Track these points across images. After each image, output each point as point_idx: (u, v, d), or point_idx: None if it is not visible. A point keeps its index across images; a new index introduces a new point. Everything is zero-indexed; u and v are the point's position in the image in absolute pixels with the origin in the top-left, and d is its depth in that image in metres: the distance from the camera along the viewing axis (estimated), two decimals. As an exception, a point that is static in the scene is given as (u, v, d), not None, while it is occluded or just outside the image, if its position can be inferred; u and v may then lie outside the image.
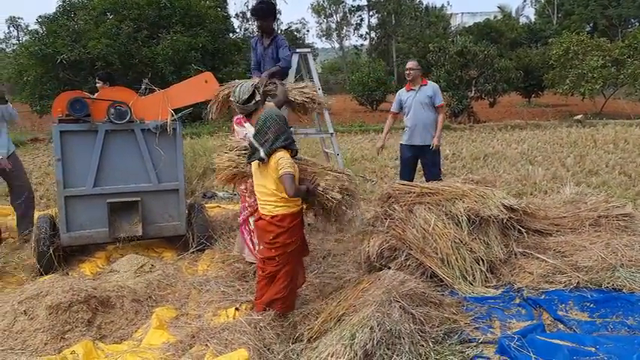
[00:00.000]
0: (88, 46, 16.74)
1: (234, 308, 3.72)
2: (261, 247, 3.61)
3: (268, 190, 3.39)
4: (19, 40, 45.72)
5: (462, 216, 4.18)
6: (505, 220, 4.23)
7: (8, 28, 50.82)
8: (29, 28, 29.19)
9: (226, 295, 3.99)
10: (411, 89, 5.80)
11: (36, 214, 6.00)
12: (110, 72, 7.26)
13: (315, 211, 3.75)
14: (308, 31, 52.95)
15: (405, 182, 4.68)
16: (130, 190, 4.68)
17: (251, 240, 4.44)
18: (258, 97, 4.06)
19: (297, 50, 5.13)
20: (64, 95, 4.58)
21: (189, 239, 4.96)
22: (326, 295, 3.75)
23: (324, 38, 52.32)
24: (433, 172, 5.62)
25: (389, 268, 4.11)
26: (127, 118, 4.56)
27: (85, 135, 4.50)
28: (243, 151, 3.73)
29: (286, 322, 3.44)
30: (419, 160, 5.88)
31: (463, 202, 4.27)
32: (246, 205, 4.41)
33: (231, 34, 22.86)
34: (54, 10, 19.17)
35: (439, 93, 5.76)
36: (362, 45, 54.23)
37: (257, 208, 3.60)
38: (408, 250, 4.13)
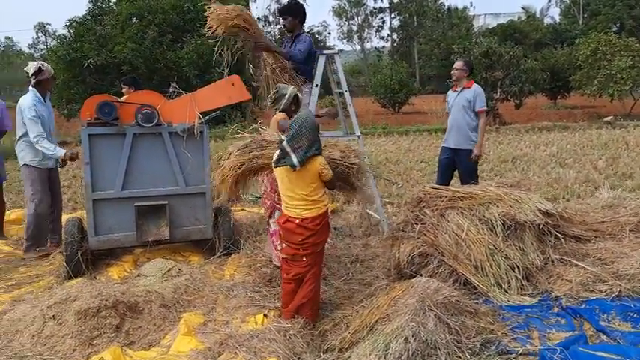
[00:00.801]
0: (114, 50, 16.98)
1: (262, 314, 3.65)
2: (284, 245, 3.56)
3: (297, 195, 3.34)
4: (46, 46, 46.77)
5: (496, 221, 4.04)
6: (541, 226, 4.09)
7: (37, 33, 51.88)
8: (57, 34, 29.76)
9: (254, 300, 3.93)
10: (455, 90, 5.66)
11: (64, 217, 6.06)
12: (135, 76, 7.28)
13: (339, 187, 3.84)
14: (329, 33, 53.13)
15: (437, 186, 4.55)
16: (158, 194, 4.66)
17: (272, 243, 4.41)
18: (283, 102, 4.07)
19: (324, 52, 5.05)
20: (92, 99, 4.59)
21: (215, 243, 4.93)
22: (356, 303, 3.65)
23: (345, 40, 52.28)
24: (467, 179, 5.42)
25: (420, 274, 4.00)
26: (155, 121, 4.54)
27: (113, 138, 4.49)
28: (243, 149, 3.67)
29: (316, 330, 3.36)
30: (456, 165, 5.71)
31: (497, 206, 4.13)
32: (266, 207, 4.37)
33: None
34: (82, 15, 19.53)
35: (481, 97, 5.50)
36: (383, 47, 54.07)
37: (276, 208, 3.58)
38: (440, 257, 4.01)
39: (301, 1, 5.03)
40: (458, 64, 5.67)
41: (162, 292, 3.93)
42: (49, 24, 52.08)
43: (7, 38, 54.76)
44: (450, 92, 5.87)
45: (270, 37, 39.98)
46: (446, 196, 4.28)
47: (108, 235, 4.59)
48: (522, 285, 3.98)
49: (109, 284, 3.80)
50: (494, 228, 4.05)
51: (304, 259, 3.40)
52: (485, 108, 5.58)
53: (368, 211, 5.83)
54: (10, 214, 6.29)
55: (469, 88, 5.56)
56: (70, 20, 19.10)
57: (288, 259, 3.49)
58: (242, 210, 6.66)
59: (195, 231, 4.87)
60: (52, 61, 17.89)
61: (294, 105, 4.23)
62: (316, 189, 3.36)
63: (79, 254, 4.41)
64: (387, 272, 4.29)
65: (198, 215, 4.87)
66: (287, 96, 4.17)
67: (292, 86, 4.33)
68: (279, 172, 3.41)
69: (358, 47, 52.97)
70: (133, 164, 4.57)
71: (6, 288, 4.36)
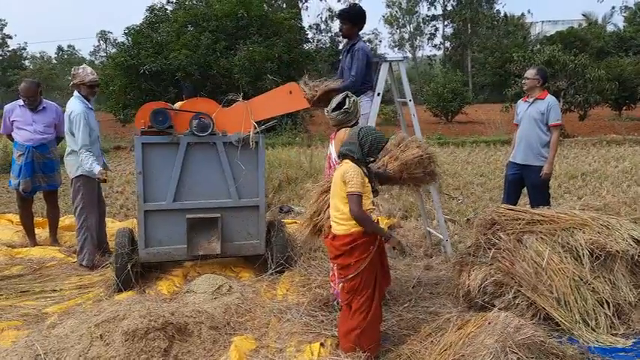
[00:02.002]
0: (169, 57, 17.23)
1: (319, 344, 3.36)
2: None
3: (333, 204, 3.20)
4: (106, 53, 48.64)
5: (582, 249, 3.59)
6: (636, 257, 3.61)
7: (98, 41, 54.00)
8: (117, 41, 30.79)
9: (309, 326, 3.65)
10: (527, 101, 5.21)
11: (116, 225, 5.99)
12: (194, 90, 7.20)
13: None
14: (380, 41, 52.44)
15: (512, 207, 4.12)
16: (210, 206, 4.46)
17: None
18: (347, 105, 3.71)
19: (388, 58, 4.72)
20: (147, 106, 4.43)
21: (267, 259, 4.68)
22: (423, 337, 3.28)
23: (396, 49, 51.69)
24: (537, 199, 4.96)
25: (493, 305, 3.61)
26: (210, 130, 4.34)
27: (166, 147, 4.32)
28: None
29: (380, 366, 3.03)
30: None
31: (583, 232, 3.68)
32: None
33: (305, 45, 22.87)
34: (140, 22, 20.02)
35: (555, 109, 5.02)
36: (434, 55, 53.15)
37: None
38: (516, 287, 3.60)
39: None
40: (530, 72, 5.20)
41: (213, 312, 3.71)
42: (111, 32, 54.00)
43: (70, 46, 57.13)
44: (520, 102, 5.40)
45: (320, 45, 40.10)
46: (523, 219, 3.86)
47: (158, 248, 4.42)
48: (613, 323, 3.53)
49: (158, 304, 3.60)
50: (580, 257, 3.62)
51: (343, 284, 3.21)
52: (560, 122, 5.09)
53: (429, 228, 5.45)
54: (64, 220, 6.29)
55: (542, 99, 5.09)
56: (128, 28, 19.61)
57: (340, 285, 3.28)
58: (294, 222, 6.39)
59: (247, 246, 4.64)
60: (110, 67, 18.40)
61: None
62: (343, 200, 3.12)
63: (129, 267, 4.26)
64: (455, 301, 3.91)
65: (251, 230, 4.63)
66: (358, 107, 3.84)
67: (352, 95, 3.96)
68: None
69: (409, 55, 52.23)
70: (185, 175, 4.39)
71: (56, 298, 4.26)
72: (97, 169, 4.68)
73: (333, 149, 3.88)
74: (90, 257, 4.89)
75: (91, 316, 3.48)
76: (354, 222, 3.09)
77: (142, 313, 3.27)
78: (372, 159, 3.24)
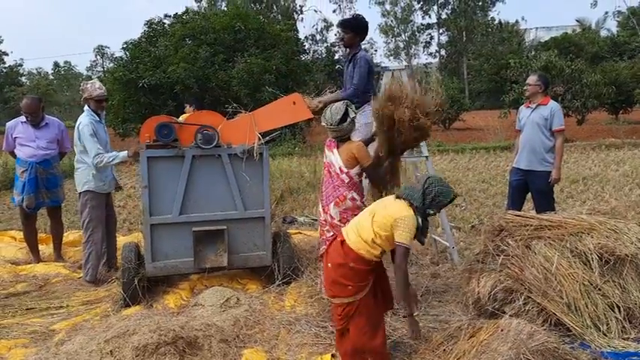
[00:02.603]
0: (167, 70, 17.28)
1: (329, 355, 3.35)
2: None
3: (363, 224, 3.06)
4: (103, 68, 48.78)
5: (591, 254, 3.59)
6: (645, 260, 3.60)
7: (95, 56, 54.19)
8: (114, 56, 30.90)
9: (319, 337, 3.63)
10: (529, 106, 5.23)
11: (121, 239, 5.97)
12: (197, 96, 7.23)
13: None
14: (376, 50, 52.67)
15: (520, 213, 4.12)
16: (216, 219, 4.45)
17: None
18: (352, 115, 3.74)
19: (390, 68, 4.75)
20: (151, 120, 4.44)
21: (274, 270, 4.66)
22: (435, 346, 3.26)
23: (392, 57, 51.94)
24: (542, 204, 4.96)
25: (503, 312, 3.59)
26: (215, 142, 4.34)
27: (171, 161, 4.32)
28: None
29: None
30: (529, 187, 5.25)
31: (592, 237, 3.67)
32: (324, 238, 4.00)
33: (302, 56, 22.96)
34: (138, 36, 20.10)
35: (558, 115, 5.04)
36: (430, 63, 53.42)
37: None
38: (527, 293, 3.59)
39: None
40: (531, 78, 5.22)
41: (222, 324, 3.69)
42: (108, 47, 54.25)
43: (66, 62, 57.34)
44: (522, 108, 5.42)
45: (317, 56, 40.26)
46: (531, 225, 3.85)
47: (165, 262, 4.40)
48: (624, 327, 3.51)
49: (167, 318, 3.58)
50: (589, 262, 3.61)
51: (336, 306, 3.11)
52: (564, 127, 5.11)
53: (434, 236, 5.44)
54: (68, 236, 6.26)
55: (545, 104, 5.11)
56: (126, 43, 19.68)
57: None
58: (298, 233, 6.39)
59: (254, 257, 4.62)
60: (109, 81, 18.43)
61: None
62: (380, 232, 3.00)
63: (136, 281, 4.24)
64: (465, 308, 3.89)
65: (257, 241, 4.62)
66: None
67: (337, 103, 3.90)
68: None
69: (405, 63, 52.46)
70: (191, 187, 4.38)
71: (63, 314, 4.23)
72: (123, 153, 4.74)
73: (335, 158, 3.87)
74: (93, 272, 4.86)
75: (99, 332, 3.45)
76: (368, 248, 3.00)
77: (151, 327, 3.25)
78: (432, 212, 3.04)
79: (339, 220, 3.80)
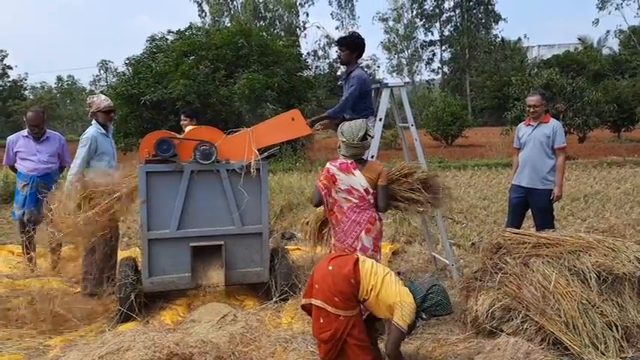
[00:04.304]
0: (169, 86, 17.40)
1: (325, 373, 3.30)
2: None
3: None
4: (106, 82, 49.20)
5: (589, 272, 3.56)
6: (643, 279, 3.58)
7: (99, 70, 54.70)
8: (117, 71, 31.17)
9: (315, 355, 3.58)
10: (530, 124, 5.23)
11: (118, 254, 5.94)
12: (194, 109, 7.27)
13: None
14: (378, 67, 53.12)
15: (518, 231, 4.11)
16: (214, 234, 4.44)
17: None
18: (371, 133, 3.79)
19: (389, 84, 4.77)
20: (151, 135, 4.47)
21: (271, 287, 4.63)
22: (432, 364, 3.24)
23: (394, 74, 52.29)
24: (542, 222, 4.94)
25: (501, 330, 3.57)
26: (213, 158, 4.36)
27: (170, 176, 4.33)
28: None
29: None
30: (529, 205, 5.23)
31: (590, 255, 3.66)
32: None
33: (304, 72, 23.11)
34: (140, 52, 20.28)
35: (560, 133, 5.05)
36: (433, 79, 53.75)
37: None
38: (525, 312, 3.56)
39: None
40: (536, 99, 5.12)
41: (218, 341, 3.65)
42: (111, 61, 54.75)
43: (69, 76, 57.81)
44: (521, 126, 5.41)
45: (319, 72, 40.54)
46: (529, 242, 3.84)
47: (162, 277, 4.38)
48: (621, 346, 3.47)
49: (162, 334, 3.54)
50: (587, 280, 3.58)
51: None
52: (565, 144, 5.11)
53: (434, 253, 5.42)
54: (66, 250, 6.23)
55: (547, 122, 5.11)
56: (128, 58, 19.90)
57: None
58: (297, 249, 6.36)
59: (251, 273, 4.60)
60: (112, 97, 18.58)
61: None
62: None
63: (133, 296, 4.22)
64: (463, 327, 3.86)
65: (255, 257, 4.61)
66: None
67: (355, 121, 3.95)
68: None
69: (407, 79, 52.81)
70: (189, 202, 4.39)
71: (57, 330, 4.20)
72: (72, 178, 4.73)
73: (358, 180, 3.73)
74: (89, 286, 4.84)
75: (94, 348, 3.41)
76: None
77: (146, 344, 3.23)
78: (424, 316, 3.09)
79: (373, 249, 3.79)
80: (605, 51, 43.91)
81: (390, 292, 3.00)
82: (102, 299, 4.77)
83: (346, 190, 3.76)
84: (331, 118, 4.64)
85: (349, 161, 3.77)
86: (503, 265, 3.79)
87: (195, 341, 3.49)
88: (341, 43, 4.72)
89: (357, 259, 3.15)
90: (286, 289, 4.58)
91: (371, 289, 3.02)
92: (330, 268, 3.12)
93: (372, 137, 3.80)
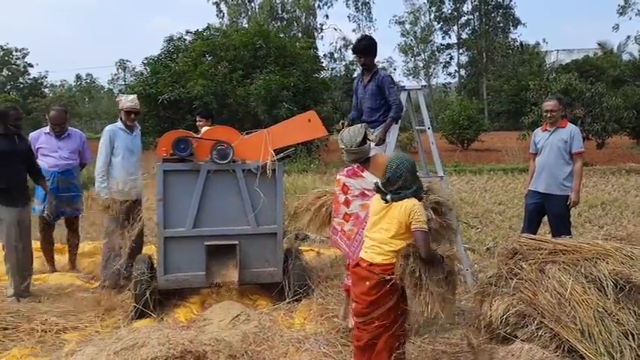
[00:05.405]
0: (187, 86, 17.55)
1: (338, 374, 3.31)
2: (354, 304, 3.21)
3: (378, 235, 3.06)
4: (125, 81, 49.77)
5: (606, 280, 3.51)
6: (662, 288, 3.52)
7: (117, 70, 55.36)
8: (135, 70, 31.52)
9: (327, 356, 3.60)
10: (547, 129, 5.18)
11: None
12: (209, 109, 7.32)
13: None
14: (394, 69, 52.95)
15: (534, 237, 4.07)
16: (229, 233, 4.48)
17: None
18: (370, 137, 3.76)
19: (407, 87, 4.77)
20: (169, 134, 4.51)
21: (285, 287, 4.65)
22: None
23: (411, 77, 52.11)
24: (559, 228, 4.88)
25: (515, 337, 3.53)
26: (229, 158, 4.39)
27: (187, 175, 4.39)
28: None
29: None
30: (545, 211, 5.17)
31: (607, 262, 3.60)
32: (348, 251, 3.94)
33: (320, 74, 23.16)
34: (158, 52, 20.49)
35: (578, 138, 4.99)
36: (449, 83, 53.45)
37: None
38: (540, 318, 3.52)
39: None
40: (553, 104, 5.08)
41: (231, 340, 3.69)
42: (129, 60, 55.43)
43: (88, 75, 58.61)
44: (538, 131, 5.36)
45: (335, 74, 40.57)
46: (545, 249, 3.80)
47: (177, 275, 4.43)
48: (638, 355, 3.41)
49: (177, 331, 3.58)
50: (604, 288, 3.52)
51: (374, 316, 3.04)
52: (583, 149, 5.06)
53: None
54: (84, 247, 6.33)
55: (564, 127, 5.06)
56: (147, 58, 20.11)
57: (358, 322, 3.14)
58: (311, 250, 6.38)
59: (265, 273, 4.63)
60: (129, 96, 18.80)
61: None
62: (397, 235, 3.02)
63: (148, 293, 4.27)
64: (477, 332, 3.83)
65: (268, 257, 4.64)
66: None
67: (354, 126, 3.85)
68: (372, 210, 3.17)
69: (424, 82, 52.58)
70: (205, 201, 4.43)
71: (74, 325, 4.26)
72: (103, 192, 5.02)
73: (371, 179, 3.64)
74: (106, 279, 4.93)
75: (109, 344, 3.46)
76: (393, 254, 3.02)
77: (160, 340, 3.26)
78: (422, 192, 3.13)
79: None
80: (625, 56, 43.28)
81: (399, 219, 2.99)
82: (117, 295, 4.83)
83: (360, 194, 3.75)
84: (396, 119, 4.65)
85: (354, 165, 3.78)
86: (519, 271, 3.75)
87: (208, 339, 3.53)
88: (361, 51, 4.71)
89: (370, 264, 3.11)
90: (299, 289, 4.60)
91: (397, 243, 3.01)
92: (360, 293, 3.11)
93: (372, 141, 3.76)
